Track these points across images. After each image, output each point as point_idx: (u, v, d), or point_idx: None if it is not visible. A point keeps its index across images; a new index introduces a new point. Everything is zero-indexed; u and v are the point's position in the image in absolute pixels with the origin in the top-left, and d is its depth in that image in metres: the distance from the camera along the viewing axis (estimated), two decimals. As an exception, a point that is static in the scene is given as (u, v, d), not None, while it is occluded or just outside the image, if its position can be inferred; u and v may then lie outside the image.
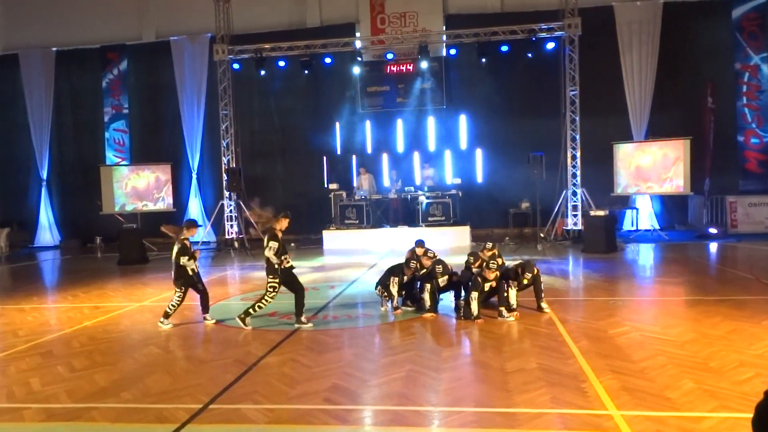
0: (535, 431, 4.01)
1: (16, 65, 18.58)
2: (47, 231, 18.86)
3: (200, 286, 7.47)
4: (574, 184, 15.32)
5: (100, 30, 18.57)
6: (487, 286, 7.18)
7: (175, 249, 7.21)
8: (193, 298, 7.71)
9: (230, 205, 16.61)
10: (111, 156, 18.53)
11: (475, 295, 6.99)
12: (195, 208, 18.11)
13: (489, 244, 7.75)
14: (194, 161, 17.98)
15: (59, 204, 19.20)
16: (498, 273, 7.17)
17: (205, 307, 7.54)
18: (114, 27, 18.58)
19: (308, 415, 4.42)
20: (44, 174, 18.79)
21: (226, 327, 7.31)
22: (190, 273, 7.28)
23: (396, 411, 4.42)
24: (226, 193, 16.59)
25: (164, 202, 17.18)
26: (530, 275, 7.24)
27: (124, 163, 18.25)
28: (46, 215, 18.87)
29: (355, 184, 16.43)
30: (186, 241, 7.32)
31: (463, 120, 16.98)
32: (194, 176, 18.03)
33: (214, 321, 7.46)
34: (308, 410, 4.51)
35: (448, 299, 7.88)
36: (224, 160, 16.81)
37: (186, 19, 18.10)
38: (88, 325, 7.65)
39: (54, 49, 18.64)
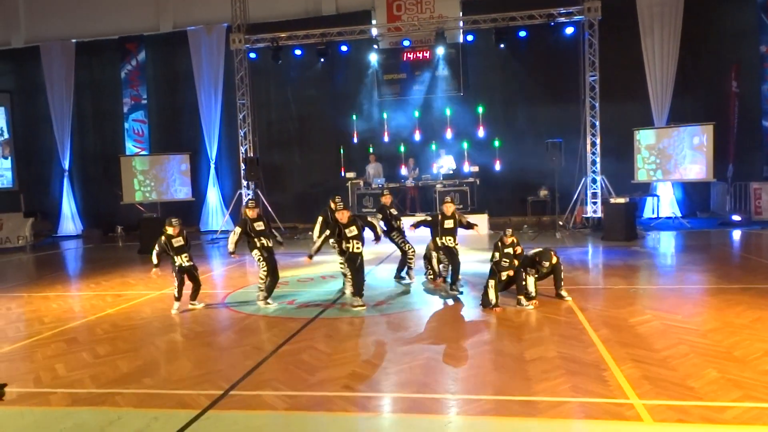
0: (555, 420, 3.99)
1: (37, 57, 18.82)
2: (70, 220, 19.19)
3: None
4: (594, 171, 15.14)
5: (118, 21, 18.72)
6: (504, 275, 7.14)
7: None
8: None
9: (248, 194, 16.71)
10: (130, 146, 18.72)
11: (492, 283, 6.96)
12: (213, 198, 18.25)
13: (508, 231, 7.68)
14: (212, 151, 18.09)
15: (81, 194, 19.49)
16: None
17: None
18: (132, 18, 18.71)
19: (327, 402, 4.45)
20: (66, 164, 19.06)
21: (245, 314, 7.37)
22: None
23: (415, 398, 4.42)
24: (244, 182, 16.69)
25: (182, 191, 17.35)
26: (548, 264, 7.17)
27: (143, 153, 18.44)
28: (68, 205, 19.17)
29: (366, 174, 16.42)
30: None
31: (480, 107, 16.82)
32: (212, 166, 18.15)
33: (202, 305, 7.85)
34: (327, 397, 4.54)
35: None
36: (242, 149, 16.90)
37: (202, 9, 18.14)
38: (110, 313, 7.78)
39: (74, 40, 18.82)
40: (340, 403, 4.40)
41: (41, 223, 18.39)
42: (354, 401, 4.43)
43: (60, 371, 5.43)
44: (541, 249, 7.40)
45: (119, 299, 8.65)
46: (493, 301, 6.92)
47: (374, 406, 4.34)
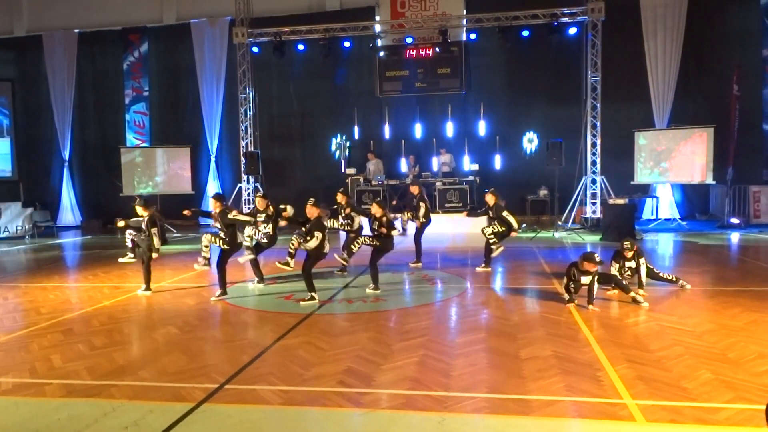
0: (549, 418, 4.00)
1: (39, 46, 18.80)
2: (69, 211, 19.21)
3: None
4: (594, 172, 15.15)
5: (121, 12, 18.71)
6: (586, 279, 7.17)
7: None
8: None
9: (248, 188, 16.72)
10: (131, 138, 18.72)
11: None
12: (213, 191, 18.24)
13: (627, 244, 7.60)
14: (213, 144, 18.09)
15: (81, 185, 19.49)
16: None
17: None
18: (135, 9, 18.69)
19: (322, 397, 4.46)
20: (66, 155, 19.06)
21: (242, 309, 7.39)
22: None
23: (409, 395, 4.43)
24: (244, 177, 16.69)
25: (182, 184, 17.35)
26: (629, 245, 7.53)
27: (144, 145, 18.43)
28: (68, 196, 19.18)
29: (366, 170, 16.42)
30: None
31: (481, 105, 16.81)
32: (213, 159, 18.15)
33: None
34: (322, 392, 4.55)
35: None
36: (243, 143, 16.89)
37: (206, 2, 18.13)
38: (107, 305, 7.79)
39: (76, 30, 18.80)
40: (335, 399, 4.41)
41: (40, 213, 18.38)
42: (349, 397, 4.44)
43: (56, 362, 5.44)
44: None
45: (116, 291, 8.66)
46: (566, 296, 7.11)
47: (368, 402, 4.35)
